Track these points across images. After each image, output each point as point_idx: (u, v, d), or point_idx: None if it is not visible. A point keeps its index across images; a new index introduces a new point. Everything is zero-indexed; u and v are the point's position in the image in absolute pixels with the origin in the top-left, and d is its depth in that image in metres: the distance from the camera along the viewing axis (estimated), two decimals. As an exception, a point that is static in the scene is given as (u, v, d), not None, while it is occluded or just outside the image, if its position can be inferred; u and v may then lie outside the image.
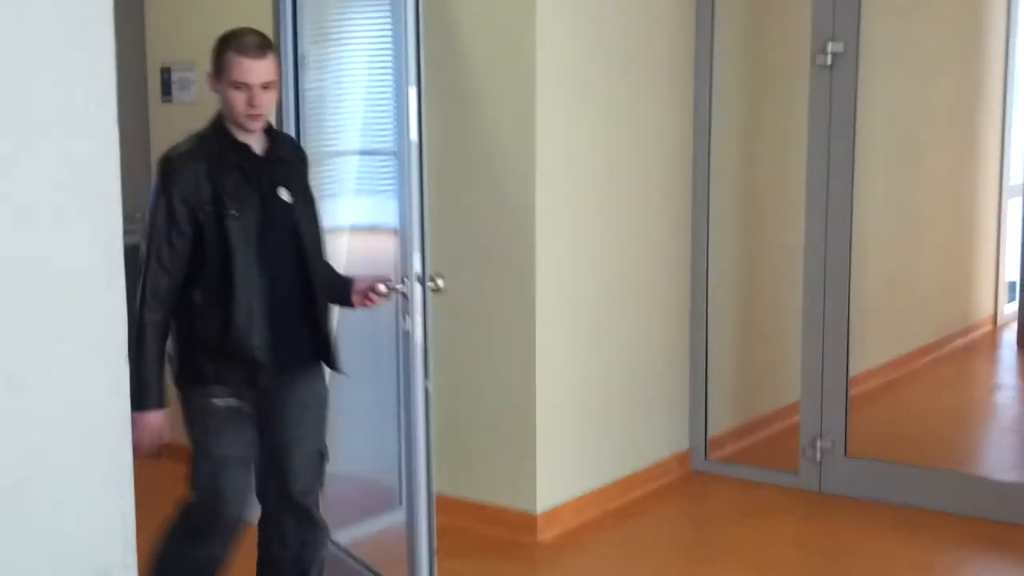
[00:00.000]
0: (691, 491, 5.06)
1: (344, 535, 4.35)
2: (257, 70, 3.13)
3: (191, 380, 3.26)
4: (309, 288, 3.32)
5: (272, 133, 3.31)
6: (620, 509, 4.78)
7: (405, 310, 3.48)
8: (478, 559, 4.31)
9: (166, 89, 5.16)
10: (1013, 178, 7.98)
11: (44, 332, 2.02)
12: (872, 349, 6.30)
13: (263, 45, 3.18)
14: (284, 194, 3.27)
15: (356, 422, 4.78)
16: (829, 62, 4.72)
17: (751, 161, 5.57)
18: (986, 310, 8.10)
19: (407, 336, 3.47)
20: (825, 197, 4.81)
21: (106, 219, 2.17)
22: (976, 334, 7.89)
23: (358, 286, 3.43)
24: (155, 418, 3.18)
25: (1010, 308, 8.09)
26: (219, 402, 3.25)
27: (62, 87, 2.02)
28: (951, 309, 7.70)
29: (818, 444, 4.93)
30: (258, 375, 3.22)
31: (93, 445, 2.12)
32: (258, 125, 3.20)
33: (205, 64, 5.05)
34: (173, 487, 4.91)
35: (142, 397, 3.11)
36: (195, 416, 3.29)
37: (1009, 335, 7.93)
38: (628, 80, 4.77)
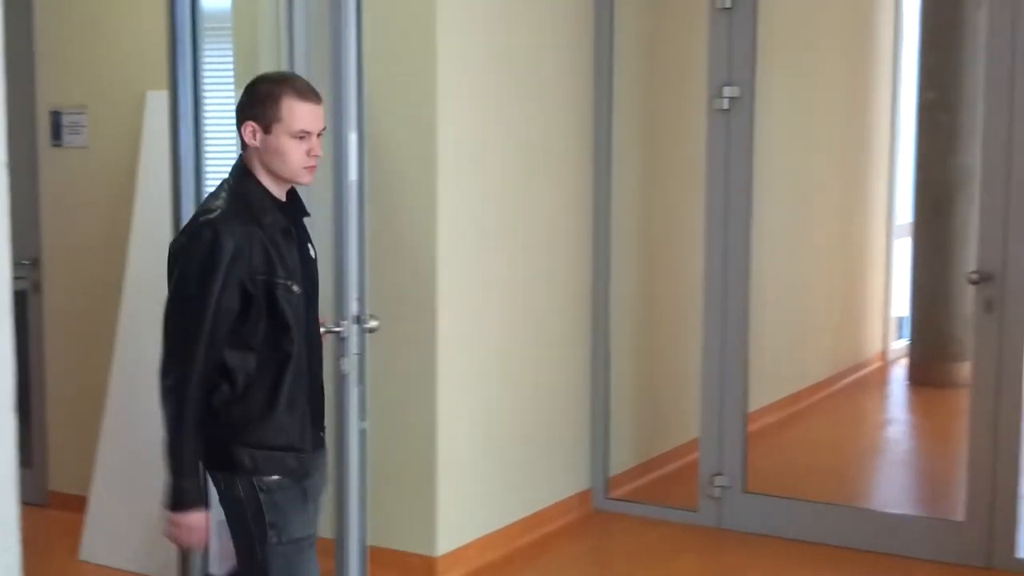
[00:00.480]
0: (592, 530, 5.07)
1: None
2: (319, 116, 2.84)
3: (228, 468, 2.83)
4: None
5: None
6: (522, 549, 4.77)
7: (341, 351, 3.46)
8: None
9: (56, 133, 5.05)
10: (900, 218, 8.20)
11: (-72, 382, 1.95)
12: (767, 386, 6.40)
13: (314, 88, 2.88)
14: (312, 251, 2.98)
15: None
16: (726, 106, 4.82)
17: (651, 201, 5.63)
18: (877, 346, 8.29)
19: (344, 378, 3.46)
20: (724, 236, 4.89)
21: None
22: (867, 370, 8.06)
23: None
24: (197, 519, 2.77)
25: (899, 344, 8.29)
26: (273, 479, 2.83)
27: (-53, 130, 1.97)
28: (843, 346, 7.87)
29: (717, 481, 4.98)
30: (300, 464, 2.86)
31: (-21, 498, 2.06)
32: (311, 178, 2.89)
33: (97, 107, 5.07)
34: (62, 540, 4.79)
35: (182, 496, 2.74)
36: (251, 501, 2.83)
37: (899, 370, 8.11)
38: (530, 119, 4.80)
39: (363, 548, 3.66)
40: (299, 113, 2.77)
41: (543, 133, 4.89)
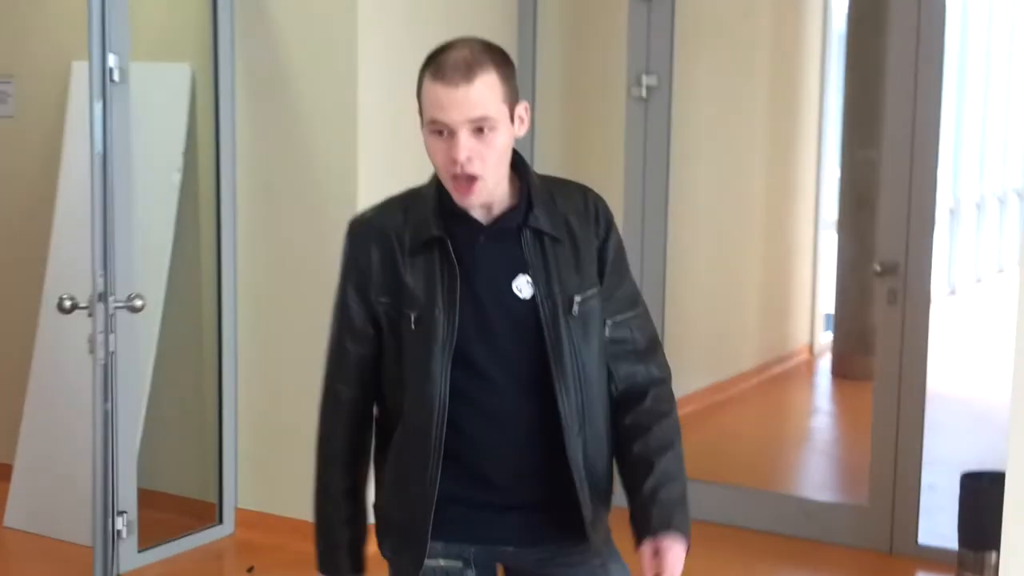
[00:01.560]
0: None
1: (159, 552, 4.37)
2: (458, 103, 2.01)
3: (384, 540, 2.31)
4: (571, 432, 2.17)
5: (531, 189, 2.16)
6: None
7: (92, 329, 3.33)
8: (293, 573, 4.33)
9: (-19, 103, 5.07)
10: (827, 214, 8.33)
11: None
12: (693, 373, 6.52)
13: (474, 61, 2.04)
14: (523, 287, 2.13)
15: (172, 438, 4.77)
16: (644, 94, 4.91)
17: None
18: (803, 339, 8.44)
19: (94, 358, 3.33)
20: (641, 226, 4.96)
21: None
22: (793, 362, 8.20)
23: (651, 546, 2.15)
24: None
25: (825, 338, 8.43)
26: (432, 563, 2.22)
27: None
28: (770, 337, 8.00)
29: (632, 463, 5.07)
30: (411, 565, 2.20)
31: None
32: (472, 198, 2.08)
33: (23, 75, 5.06)
34: None
35: (323, 559, 2.26)
36: None
37: (824, 363, 8.26)
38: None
39: (111, 526, 3.54)
40: (430, 98, 2.05)
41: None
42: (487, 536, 2.22)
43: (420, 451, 2.13)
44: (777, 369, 7.88)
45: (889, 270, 4.50)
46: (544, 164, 5.31)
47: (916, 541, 4.60)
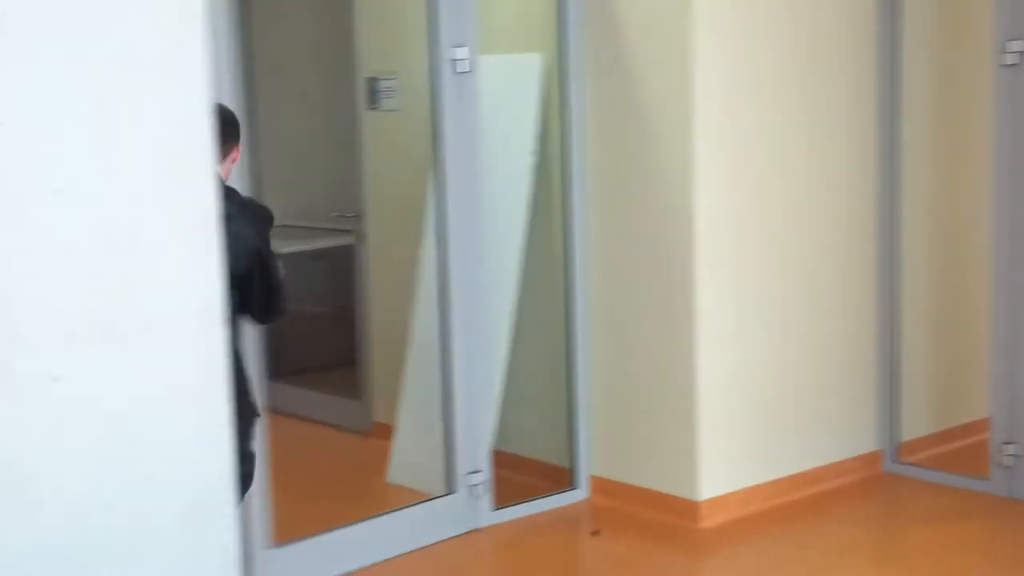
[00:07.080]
0: (875, 492, 5.00)
1: (514, 511, 4.62)
2: None
3: None
4: None
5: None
6: (794, 504, 4.80)
7: None
8: (637, 541, 4.48)
9: (373, 98, 5.53)
10: None
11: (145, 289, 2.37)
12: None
13: None
14: None
15: (530, 406, 5.01)
16: (1011, 61, 4.60)
17: (942, 158, 5.40)
18: None
19: None
20: (1011, 200, 4.67)
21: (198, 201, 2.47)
22: None
23: None
24: None
25: None
26: None
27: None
28: None
29: (1008, 450, 4.79)
30: None
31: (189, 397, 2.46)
32: None
33: (407, 74, 5.46)
34: (377, 465, 5.25)
35: None
36: None
37: None
38: (803, 76, 4.79)
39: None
40: None
41: (820, 89, 4.86)
42: None
43: None
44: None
45: None
46: (910, 129, 5.07)
47: None
